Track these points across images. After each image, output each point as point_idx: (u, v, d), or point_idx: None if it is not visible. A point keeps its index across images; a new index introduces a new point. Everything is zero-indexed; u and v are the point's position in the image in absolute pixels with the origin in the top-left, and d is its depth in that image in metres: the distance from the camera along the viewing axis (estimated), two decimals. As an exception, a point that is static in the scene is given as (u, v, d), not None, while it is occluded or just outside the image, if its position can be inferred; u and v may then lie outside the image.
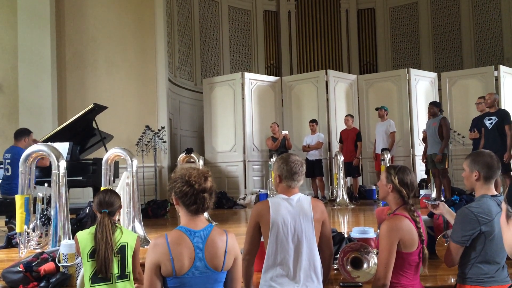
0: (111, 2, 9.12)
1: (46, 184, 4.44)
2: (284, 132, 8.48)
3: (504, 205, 1.17)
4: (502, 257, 2.26)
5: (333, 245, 2.59)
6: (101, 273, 2.39)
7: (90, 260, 2.42)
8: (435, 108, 6.82)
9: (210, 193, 1.89)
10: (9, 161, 5.08)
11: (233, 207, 7.92)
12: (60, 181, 3.94)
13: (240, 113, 9.20)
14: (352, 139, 8.13)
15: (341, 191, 7.43)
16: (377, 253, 2.96)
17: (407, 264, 2.23)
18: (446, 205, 2.72)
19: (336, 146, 8.88)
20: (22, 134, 5.27)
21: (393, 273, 2.21)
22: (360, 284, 2.89)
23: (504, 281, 2.23)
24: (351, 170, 8.02)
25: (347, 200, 7.41)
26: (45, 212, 4.25)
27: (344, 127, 8.37)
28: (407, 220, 2.24)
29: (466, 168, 2.40)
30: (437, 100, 9.03)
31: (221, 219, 6.28)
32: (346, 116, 8.35)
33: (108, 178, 4.34)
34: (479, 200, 2.30)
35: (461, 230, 2.24)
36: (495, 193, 2.34)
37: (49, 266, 3.08)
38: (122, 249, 2.49)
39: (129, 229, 3.95)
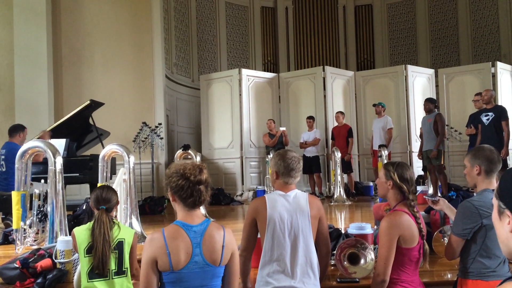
0: (108, -2, 9.08)
1: (42, 181, 4.43)
2: (281, 129, 8.46)
3: (495, 201, 1.11)
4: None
5: (330, 241, 2.59)
6: (98, 270, 2.38)
7: (87, 256, 2.42)
8: (430, 105, 6.82)
9: (206, 185, 1.88)
10: (4, 157, 5.06)
11: (231, 204, 7.91)
12: (57, 177, 3.93)
13: (237, 109, 9.18)
14: (343, 135, 8.15)
15: (338, 187, 7.45)
16: (375, 249, 2.97)
17: (408, 260, 2.23)
18: (447, 201, 2.73)
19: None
20: (17, 129, 5.26)
21: (393, 269, 2.21)
22: (357, 279, 2.90)
23: (506, 276, 2.24)
24: (344, 166, 8.03)
25: (344, 197, 7.43)
26: (41, 209, 4.24)
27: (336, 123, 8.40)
28: (407, 215, 2.24)
29: (467, 164, 2.40)
30: (434, 97, 9.04)
31: (219, 215, 6.28)
32: (337, 113, 8.36)
33: (105, 174, 4.33)
34: (480, 194, 2.31)
35: (462, 223, 2.25)
36: None
37: (46, 262, 3.07)
38: (120, 245, 2.48)
39: (126, 226, 3.95)
